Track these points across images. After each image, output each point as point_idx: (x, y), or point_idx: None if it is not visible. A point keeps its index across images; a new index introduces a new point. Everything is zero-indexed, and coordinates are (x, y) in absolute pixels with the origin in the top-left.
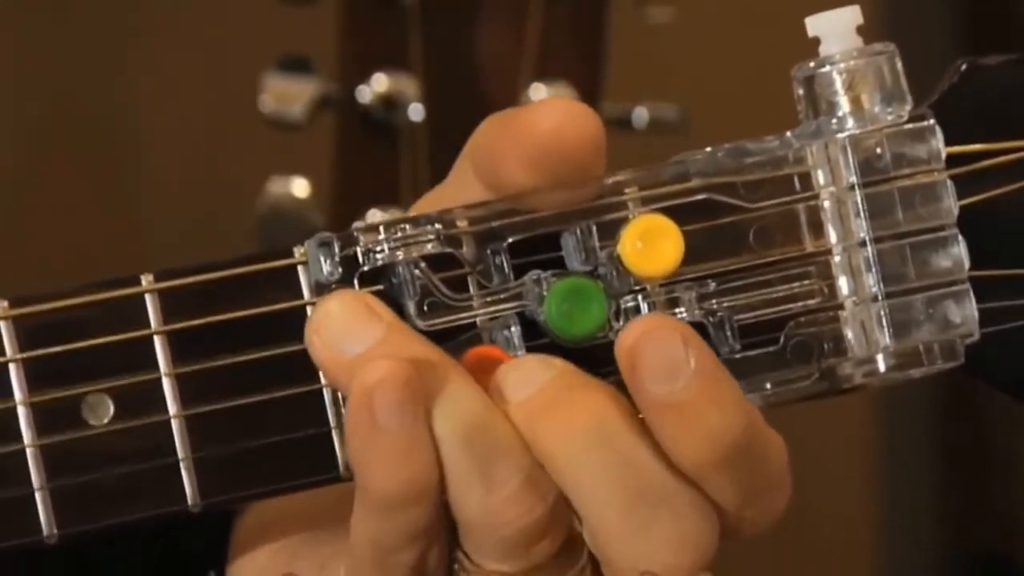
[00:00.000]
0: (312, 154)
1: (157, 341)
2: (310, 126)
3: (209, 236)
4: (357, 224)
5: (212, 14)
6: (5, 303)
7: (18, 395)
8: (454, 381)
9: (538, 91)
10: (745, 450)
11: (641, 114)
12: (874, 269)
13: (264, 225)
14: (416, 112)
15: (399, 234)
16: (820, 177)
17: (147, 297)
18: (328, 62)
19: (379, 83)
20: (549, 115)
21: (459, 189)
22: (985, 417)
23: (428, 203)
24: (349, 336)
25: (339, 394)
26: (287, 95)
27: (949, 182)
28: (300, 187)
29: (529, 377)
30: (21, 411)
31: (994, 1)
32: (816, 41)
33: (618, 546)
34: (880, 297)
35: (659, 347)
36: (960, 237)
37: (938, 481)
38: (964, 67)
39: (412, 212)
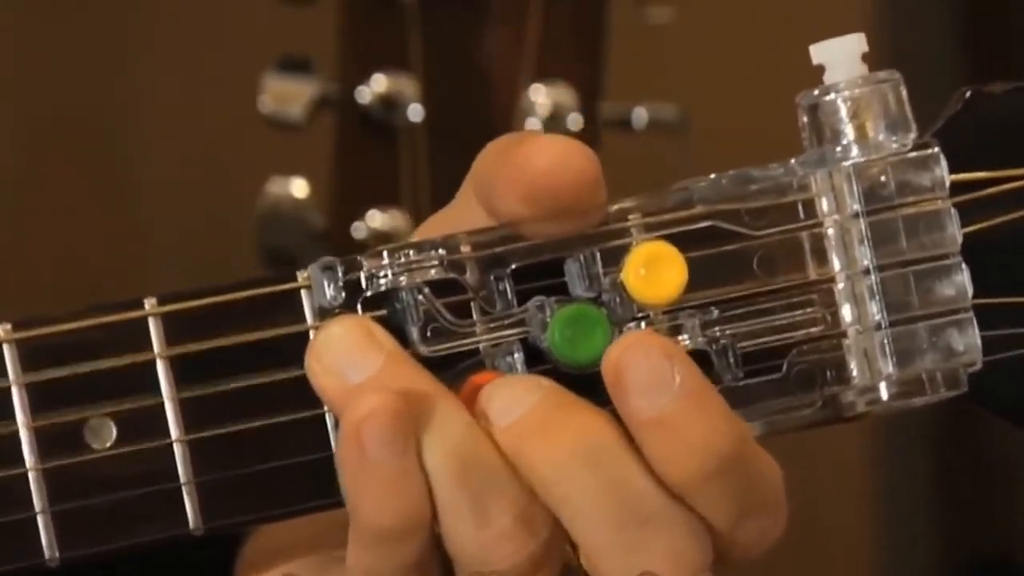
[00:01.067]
0: (311, 154)
1: (160, 365)
2: (309, 126)
3: (209, 236)
4: (359, 232)
5: (212, 14)
6: (8, 326)
7: (20, 418)
8: (447, 414)
9: (538, 92)
10: (734, 465)
11: (640, 114)
12: (877, 297)
13: (264, 225)
14: (416, 112)
15: (403, 259)
16: (824, 205)
17: (150, 320)
18: (328, 62)
19: (379, 83)
20: (543, 154)
21: (464, 212)
22: (984, 423)
23: (433, 225)
24: (349, 364)
25: None
26: (287, 95)
27: (953, 210)
28: (299, 187)
29: (516, 399)
30: (24, 435)
31: (994, 21)
32: (820, 69)
33: (611, 567)
34: (884, 325)
35: (644, 362)
36: (964, 265)
37: (937, 487)
38: (968, 95)
39: (416, 235)
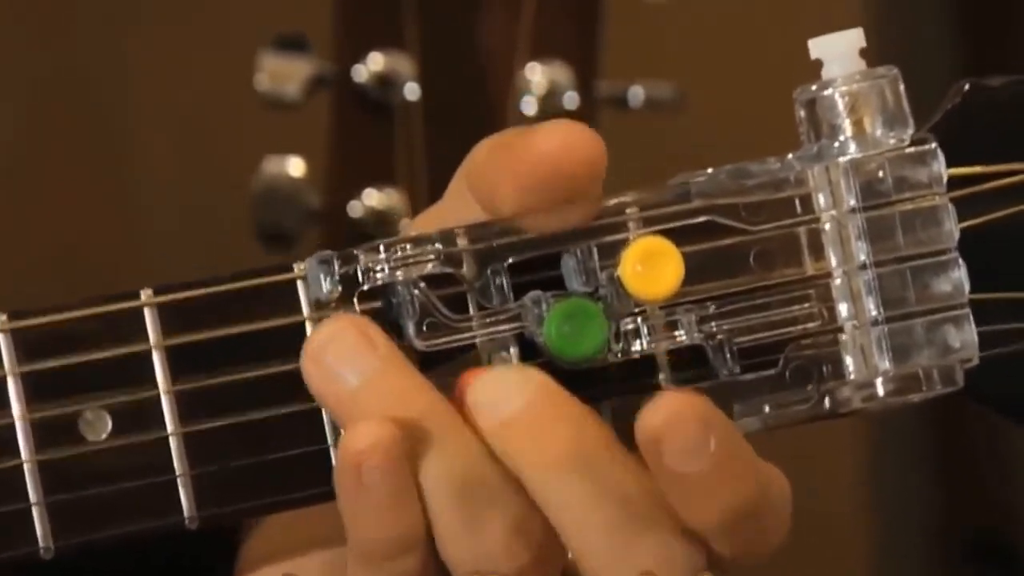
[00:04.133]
0: (307, 133)
1: (156, 356)
2: (306, 105)
3: (204, 216)
4: (355, 211)
5: None
6: (4, 316)
7: (16, 410)
8: (443, 434)
9: (534, 70)
10: (750, 517)
11: (637, 93)
12: (874, 293)
13: (259, 204)
14: (412, 91)
15: (399, 253)
16: (821, 200)
17: (146, 311)
18: (324, 41)
19: (375, 62)
20: (549, 138)
21: (456, 207)
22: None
23: (425, 220)
24: (345, 366)
25: None
26: (283, 74)
27: (950, 206)
28: (295, 166)
29: (506, 396)
30: (19, 426)
31: (991, 16)
32: (818, 63)
33: (604, 569)
34: (880, 321)
35: (682, 433)
36: (960, 261)
37: (932, 463)
38: (966, 88)
39: (411, 230)
